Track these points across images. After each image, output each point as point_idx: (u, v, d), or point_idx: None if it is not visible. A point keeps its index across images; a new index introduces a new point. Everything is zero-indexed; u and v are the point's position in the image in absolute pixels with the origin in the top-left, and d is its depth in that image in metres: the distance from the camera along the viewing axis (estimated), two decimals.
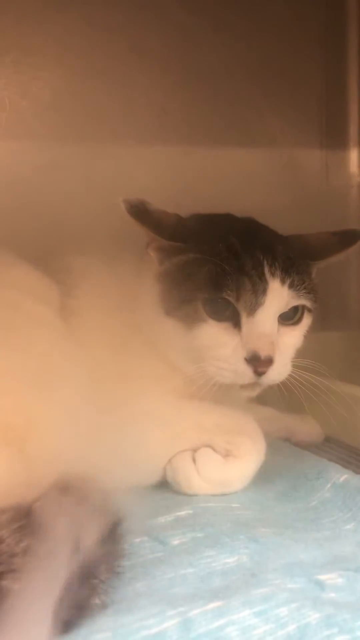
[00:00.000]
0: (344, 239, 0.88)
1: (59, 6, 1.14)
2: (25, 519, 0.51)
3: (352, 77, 1.38)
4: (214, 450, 0.81)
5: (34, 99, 1.14)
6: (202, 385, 0.80)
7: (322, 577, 0.57)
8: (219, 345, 0.78)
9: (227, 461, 0.80)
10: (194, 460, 0.79)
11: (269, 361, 0.77)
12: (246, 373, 0.77)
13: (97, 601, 0.49)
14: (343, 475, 0.82)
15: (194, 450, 0.80)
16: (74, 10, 1.15)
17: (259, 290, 0.77)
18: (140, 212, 0.79)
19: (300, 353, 0.84)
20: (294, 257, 0.82)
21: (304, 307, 0.83)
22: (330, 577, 0.57)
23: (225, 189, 1.27)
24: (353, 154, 1.39)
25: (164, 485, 0.80)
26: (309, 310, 0.84)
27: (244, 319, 0.78)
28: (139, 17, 1.19)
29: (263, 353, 0.76)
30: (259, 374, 0.77)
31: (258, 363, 0.77)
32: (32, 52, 1.13)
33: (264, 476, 0.81)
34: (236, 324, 0.78)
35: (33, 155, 1.15)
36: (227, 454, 0.80)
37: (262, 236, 0.85)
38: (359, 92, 1.38)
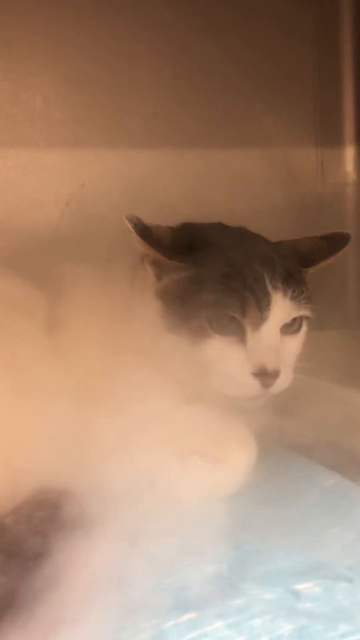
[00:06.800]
0: (332, 243, 0.87)
1: (48, 11, 1.13)
2: None
3: (347, 75, 1.37)
4: (202, 455, 0.81)
5: (23, 105, 1.14)
6: (206, 398, 0.79)
7: (299, 586, 0.57)
8: (225, 360, 0.78)
9: (214, 467, 0.80)
10: (180, 465, 0.79)
11: (276, 374, 0.77)
12: (253, 386, 0.77)
13: (67, 614, 0.49)
14: (331, 479, 0.82)
15: (181, 455, 0.80)
16: (63, 15, 1.14)
17: (263, 304, 0.77)
18: (145, 231, 0.78)
19: None
20: (290, 267, 0.82)
21: (302, 316, 0.83)
22: (308, 586, 0.57)
23: (220, 190, 1.26)
24: (348, 152, 1.38)
25: (149, 491, 0.80)
26: (307, 318, 0.84)
27: (249, 334, 0.78)
28: (128, 21, 1.18)
29: (270, 366, 0.76)
30: (266, 386, 0.77)
31: (265, 376, 0.77)
32: (21, 59, 1.13)
33: (251, 480, 0.81)
34: (241, 338, 0.78)
35: (27, 162, 1.15)
36: (215, 460, 0.80)
37: (258, 247, 0.84)
38: (353, 89, 1.37)
